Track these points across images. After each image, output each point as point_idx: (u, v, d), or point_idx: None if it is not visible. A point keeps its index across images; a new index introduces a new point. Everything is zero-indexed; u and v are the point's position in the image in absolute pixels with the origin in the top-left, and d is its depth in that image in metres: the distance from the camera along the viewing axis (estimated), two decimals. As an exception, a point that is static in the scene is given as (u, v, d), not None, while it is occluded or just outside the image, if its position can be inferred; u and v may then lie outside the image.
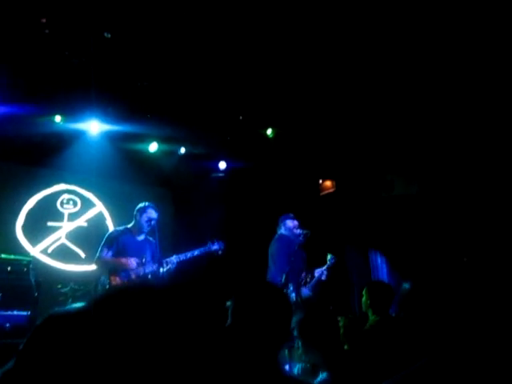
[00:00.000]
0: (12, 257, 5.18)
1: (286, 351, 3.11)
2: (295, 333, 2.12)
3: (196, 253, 4.89)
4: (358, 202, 6.86)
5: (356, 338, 2.36)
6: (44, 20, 4.81)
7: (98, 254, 4.60)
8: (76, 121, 6.31)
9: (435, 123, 5.75)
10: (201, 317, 0.69)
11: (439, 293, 1.61)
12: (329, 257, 5.13)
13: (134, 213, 4.82)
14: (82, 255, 6.80)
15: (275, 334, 1.32)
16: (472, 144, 5.72)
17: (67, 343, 0.61)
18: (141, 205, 4.83)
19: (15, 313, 4.44)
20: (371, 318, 2.89)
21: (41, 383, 0.59)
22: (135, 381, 0.57)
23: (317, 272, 5.04)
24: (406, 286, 1.77)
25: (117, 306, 0.63)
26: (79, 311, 0.65)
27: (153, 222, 4.71)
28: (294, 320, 2.08)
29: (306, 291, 4.86)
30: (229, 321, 1.36)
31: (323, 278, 4.99)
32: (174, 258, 4.74)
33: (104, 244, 4.63)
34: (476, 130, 5.60)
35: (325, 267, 5.05)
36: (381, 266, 6.77)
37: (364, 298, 3.02)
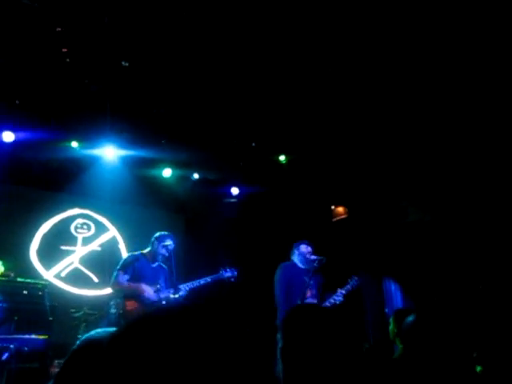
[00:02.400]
0: (28, 281, 5.21)
1: None
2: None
3: (208, 280, 4.91)
4: (371, 229, 6.83)
5: (378, 368, 2.32)
6: (65, 50, 4.98)
7: (113, 279, 4.61)
8: (92, 146, 6.42)
9: (448, 150, 5.77)
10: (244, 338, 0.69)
11: (445, 327, 1.59)
12: (352, 280, 4.96)
13: (152, 240, 4.83)
14: (95, 279, 6.81)
15: (333, 354, 1.30)
16: (487, 170, 5.72)
17: (102, 369, 0.62)
18: (159, 233, 4.84)
19: (33, 337, 4.43)
20: (400, 346, 2.84)
21: None
22: None
23: (339, 293, 4.88)
24: (410, 318, 1.75)
25: (154, 330, 0.64)
26: (113, 337, 0.66)
27: (169, 252, 4.75)
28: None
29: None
30: (280, 345, 1.36)
31: (337, 301, 4.83)
32: (186, 285, 4.75)
33: (120, 268, 4.64)
34: (490, 157, 5.61)
35: (348, 287, 4.90)
36: (395, 294, 6.69)
37: (391, 326, 2.96)
